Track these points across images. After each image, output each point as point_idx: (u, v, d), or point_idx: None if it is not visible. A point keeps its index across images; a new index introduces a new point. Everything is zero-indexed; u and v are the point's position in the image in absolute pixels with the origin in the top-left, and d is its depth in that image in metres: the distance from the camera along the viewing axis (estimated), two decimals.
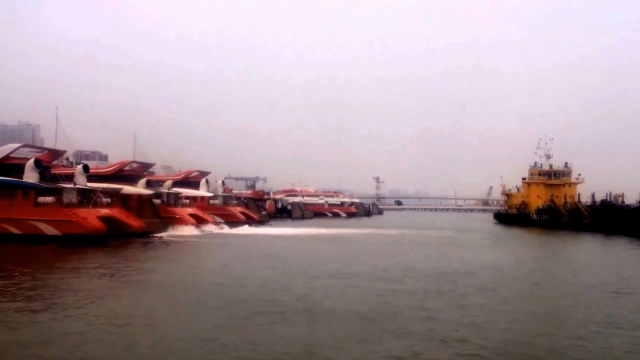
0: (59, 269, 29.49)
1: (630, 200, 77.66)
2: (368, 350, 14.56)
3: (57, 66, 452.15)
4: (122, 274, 28.04)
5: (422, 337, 15.79)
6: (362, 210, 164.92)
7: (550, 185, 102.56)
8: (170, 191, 65.68)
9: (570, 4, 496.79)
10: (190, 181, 79.35)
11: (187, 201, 69.03)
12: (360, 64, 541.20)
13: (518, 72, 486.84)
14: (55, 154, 53.97)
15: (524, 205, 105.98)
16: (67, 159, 61.17)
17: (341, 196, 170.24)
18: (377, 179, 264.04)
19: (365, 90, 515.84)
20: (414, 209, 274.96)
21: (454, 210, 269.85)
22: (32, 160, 46.95)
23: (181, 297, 21.85)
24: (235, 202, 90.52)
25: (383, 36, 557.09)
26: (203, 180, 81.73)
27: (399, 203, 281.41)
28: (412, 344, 15.14)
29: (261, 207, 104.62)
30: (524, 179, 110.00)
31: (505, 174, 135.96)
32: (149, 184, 59.72)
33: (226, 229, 64.30)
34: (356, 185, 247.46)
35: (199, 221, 63.15)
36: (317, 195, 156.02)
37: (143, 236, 48.41)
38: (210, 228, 62.29)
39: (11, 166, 47.13)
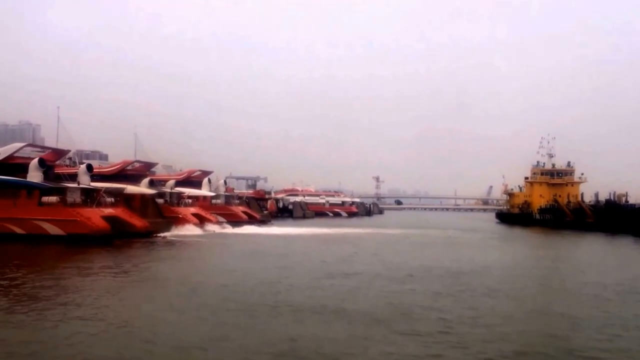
0: (67, 269, 29.22)
1: (633, 199, 77.58)
2: (384, 351, 14.34)
3: (57, 66, 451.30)
4: (130, 274, 27.81)
5: (446, 339, 15.55)
6: (363, 210, 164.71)
7: (553, 185, 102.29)
8: (173, 191, 65.37)
9: (571, 3, 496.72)
10: (192, 181, 79.01)
11: (190, 201, 68.81)
12: (360, 64, 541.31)
13: (518, 72, 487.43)
14: (59, 153, 53.67)
15: (527, 204, 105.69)
16: (70, 158, 60.93)
17: (342, 196, 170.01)
18: (377, 179, 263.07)
19: (365, 89, 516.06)
20: (414, 208, 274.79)
21: (453, 209, 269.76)
22: (36, 160, 46.69)
23: (193, 297, 21.55)
24: (237, 201, 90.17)
25: (383, 36, 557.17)
26: (205, 180, 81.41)
27: (399, 203, 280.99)
28: (435, 346, 14.89)
29: (263, 206, 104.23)
30: (526, 178, 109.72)
31: (505, 173, 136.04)
32: (151, 184, 59.49)
33: (229, 229, 64.04)
34: (356, 185, 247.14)
35: (202, 221, 62.96)
36: (318, 195, 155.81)
37: (147, 236, 48.16)
38: (213, 228, 62.06)
39: (15, 166, 46.86)
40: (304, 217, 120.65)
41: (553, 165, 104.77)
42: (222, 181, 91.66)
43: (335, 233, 64.45)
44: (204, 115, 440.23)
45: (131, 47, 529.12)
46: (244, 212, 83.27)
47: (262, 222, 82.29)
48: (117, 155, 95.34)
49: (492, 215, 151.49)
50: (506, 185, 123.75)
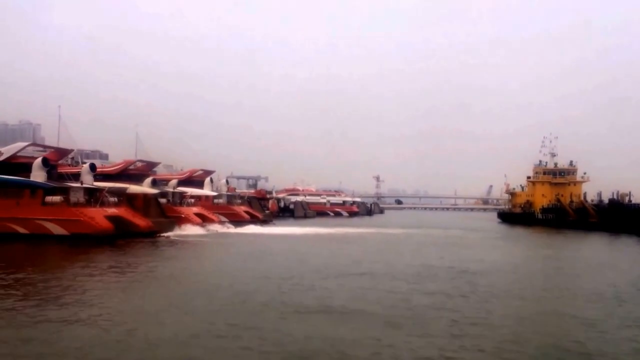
0: (71, 268, 28.96)
1: (636, 198, 77.43)
2: (400, 353, 14.16)
3: (57, 65, 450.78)
4: (136, 274, 27.50)
5: (460, 343, 15.33)
6: (364, 210, 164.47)
7: (556, 184, 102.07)
8: (175, 190, 65.12)
9: (571, 3, 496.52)
10: (194, 180, 78.81)
11: (192, 200, 68.58)
12: (360, 63, 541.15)
13: (518, 72, 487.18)
14: (62, 152, 53.45)
15: (529, 204, 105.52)
16: (72, 158, 60.69)
17: (343, 195, 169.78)
18: (378, 178, 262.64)
19: (365, 89, 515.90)
20: (414, 208, 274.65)
21: (453, 209, 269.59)
22: (39, 159, 46.45)
23: (202, 299, 21.30)
24: (239, 201, 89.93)
25: (383, 36, 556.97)
26: (207, 179, 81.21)
27: (399, 202, 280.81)
28: (449, 348, 14.68)
29: (264, 206, 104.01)
30: (528, 177, 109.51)
31: (506, 173, 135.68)
32: (154, 183, 59.22)
33: (232, 229, 63.71)
34: (356, 185, 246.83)
35: (205, 220, 62.72)
36: (318, 195, 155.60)
37: (150, 236, 47.86)
38: (215, 227, 61.75)
39: (18, 165, 46.66)
40: (306, 216, 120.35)
41: (555, 164, 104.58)
42: (223, 181, 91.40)
43: (338, 233, 64.18)
44: (204, 115, 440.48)
45: (131, 46, 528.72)
46: (246, 212, 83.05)
47: (264, 221, 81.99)
48: (117, 155, 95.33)
49: (493, 214, 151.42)
50: (508, 185, 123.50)
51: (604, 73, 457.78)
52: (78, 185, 47.96)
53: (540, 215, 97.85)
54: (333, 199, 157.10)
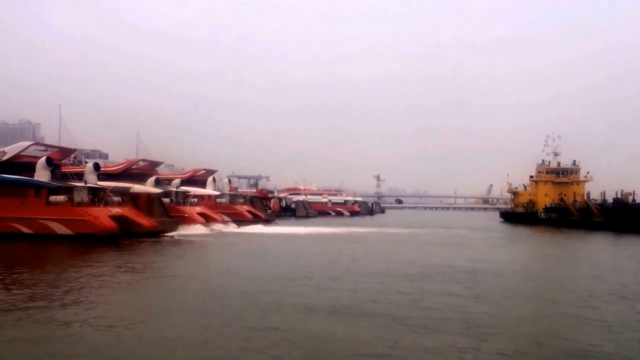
0: (76, 268, 28.69)
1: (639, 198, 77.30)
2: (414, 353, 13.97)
3: (57, 65, 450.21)
4: (141, 273, 27.37)
5: (472, 344, 15.11)
6: (365, 209, 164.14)
7: (559, 184, 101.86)
8: (178, 190, 64.91)
9: (571, 3, 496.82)
10: (196, 179, 78.52)
11: (195, 200, 68.39)
12: (360, 62, 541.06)
13: (518, 72, 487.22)
14: (65, 152, 53.17)
15: (532, 203, 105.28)
16: (75, 157, 60.46)
17: (344, 195, 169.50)
18: (378, 177, 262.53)
19: (365, 88, 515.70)
20: (415, 207, 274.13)
21: (454, 209, 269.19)
22: (43, 159, 46.23)
23: (211, 298, 21.07)
24: (241, 200, 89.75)
25: (383, 35, 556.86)
26: (210, 179, 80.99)
27: (399, 202, 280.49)
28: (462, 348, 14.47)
29: (266, 205, 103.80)
30: (531, 176, 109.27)
31: (506, 172, 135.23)
32: (157, 183, 58.96)
33: (235, 228, 63.57)
34: (357, 184, 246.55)
35: (208, 220, 62.60)
36: (320, 194, 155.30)
37: (154, 235, 47.63)
38: (219, 227, 61.59)
39: (22, 164, 46.40)
40: (307, 216, 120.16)
41: (558, 163, 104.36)
42: (226, 180, 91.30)
43: (341, 232, 63.94)
44: (204, 115, 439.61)
45: (131, 46, 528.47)
46: (249, 211, 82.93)
47: (266, 221, 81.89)
48: (118, 155, 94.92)
49: (493, 214, 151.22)
50: (510, 184, 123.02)
51: (603, 71, 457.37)
52: (82, 184, 47.73)
53: (543, 215, 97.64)
54: (334, 199, 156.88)
